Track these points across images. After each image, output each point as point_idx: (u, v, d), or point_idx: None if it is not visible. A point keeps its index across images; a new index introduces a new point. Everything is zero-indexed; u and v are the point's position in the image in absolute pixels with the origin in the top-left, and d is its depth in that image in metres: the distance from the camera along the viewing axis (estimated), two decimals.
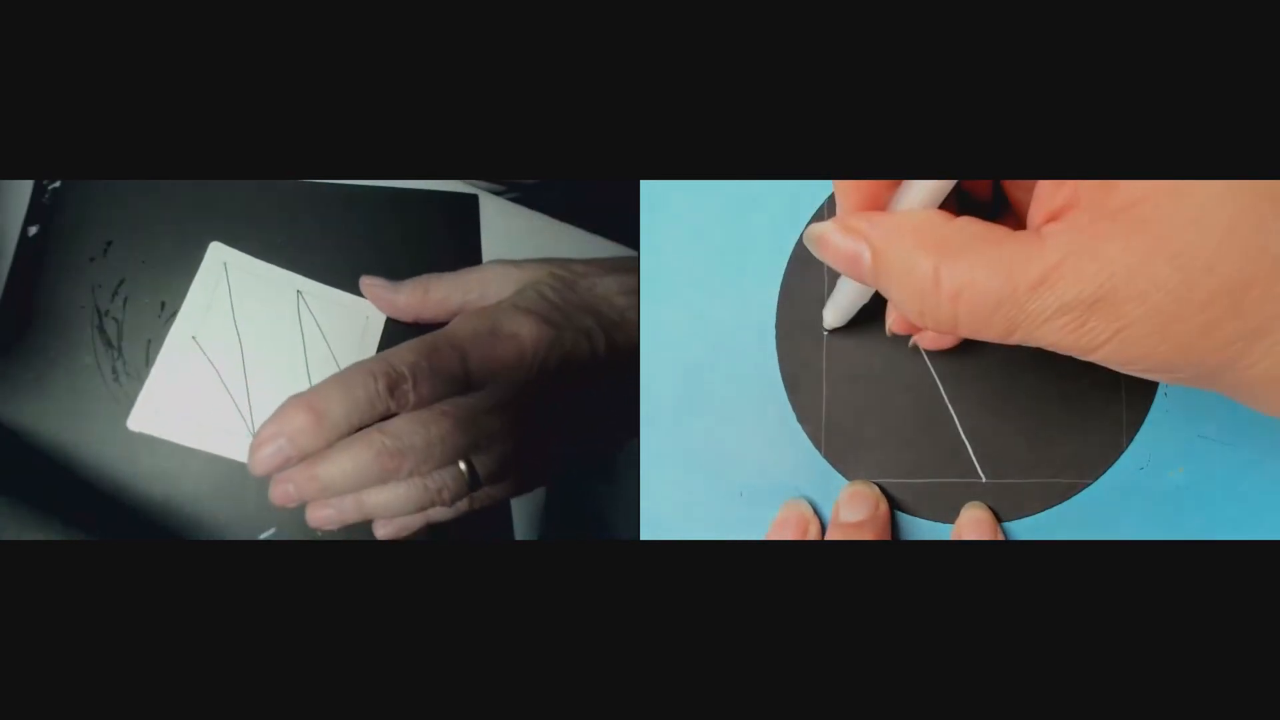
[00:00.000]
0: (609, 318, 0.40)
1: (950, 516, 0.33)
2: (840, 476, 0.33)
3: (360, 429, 0.34)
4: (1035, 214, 0.23)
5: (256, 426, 0.33)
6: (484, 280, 0.41)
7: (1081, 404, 0.32)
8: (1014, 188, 0.27)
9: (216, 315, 0.39)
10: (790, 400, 0.34)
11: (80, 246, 0.38)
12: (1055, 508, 0.32)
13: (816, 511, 0.33)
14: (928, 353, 0.33)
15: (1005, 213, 0.27)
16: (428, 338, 0.36)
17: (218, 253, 0.40)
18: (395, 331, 0.41)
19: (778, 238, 0.34)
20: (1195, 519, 0.32)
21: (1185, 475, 0.32)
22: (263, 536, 0.38)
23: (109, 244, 0.38)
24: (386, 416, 0.34)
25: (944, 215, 0.24)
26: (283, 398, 0.33)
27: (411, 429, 0.34)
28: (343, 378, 0.34)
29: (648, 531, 0.34)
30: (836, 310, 0.32)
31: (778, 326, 0.34)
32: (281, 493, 0.34)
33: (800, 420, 0.34)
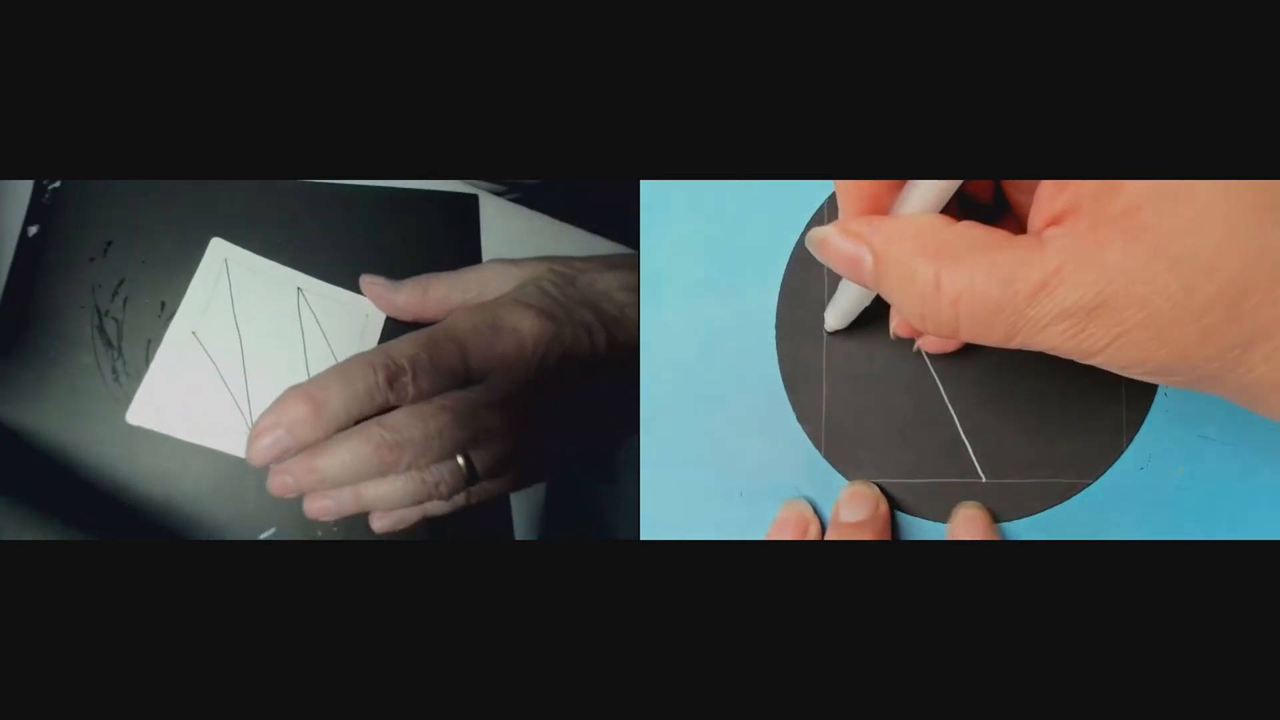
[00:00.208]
0: (609, 313, 0.40)
1: (950, 517, 0.33)
2: (840, 476, 0.33)
3: (359, 421, 0.34)
4: (1035, 218, 0.23)
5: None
6: (483, 279, 0.41)
7: (1081, 404, 0.32)
8: (1014, 190, 0.27)
9: (217, 311, 0.39)
10: (790, 400, 0.34)
11: (80, 246, 0.38)
12: (1055, 508, 0.32)
13: (816, 511, 0.33)
14: (929, 354, 0.33)
15: (1006, 215, 0.27)
16: (427, 331, 0.36)
17: (219, 249, 0.40)
18: (395, 330, 0.41)
19: (778, 238, 0.34)
20: (1195, 519, 0.32)
21: (1185, 475, 0.32)
22: (263, 536, 0.38)
23: (109, 244, 0.38)
24: (385, 409, 0.34)
25: (945, 220, 0.24)
26: None
27: (410, 422, 0.34)
28: (342, 369, 0.34)
29: (648, 531, 0.34)
30: (838, 312, 0.32)
31: (778, 326, 0.34)
32: (280, 484, 0.34)
33: (800, 420, 0.34)
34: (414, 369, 0.34)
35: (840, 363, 0.34)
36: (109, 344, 0.37)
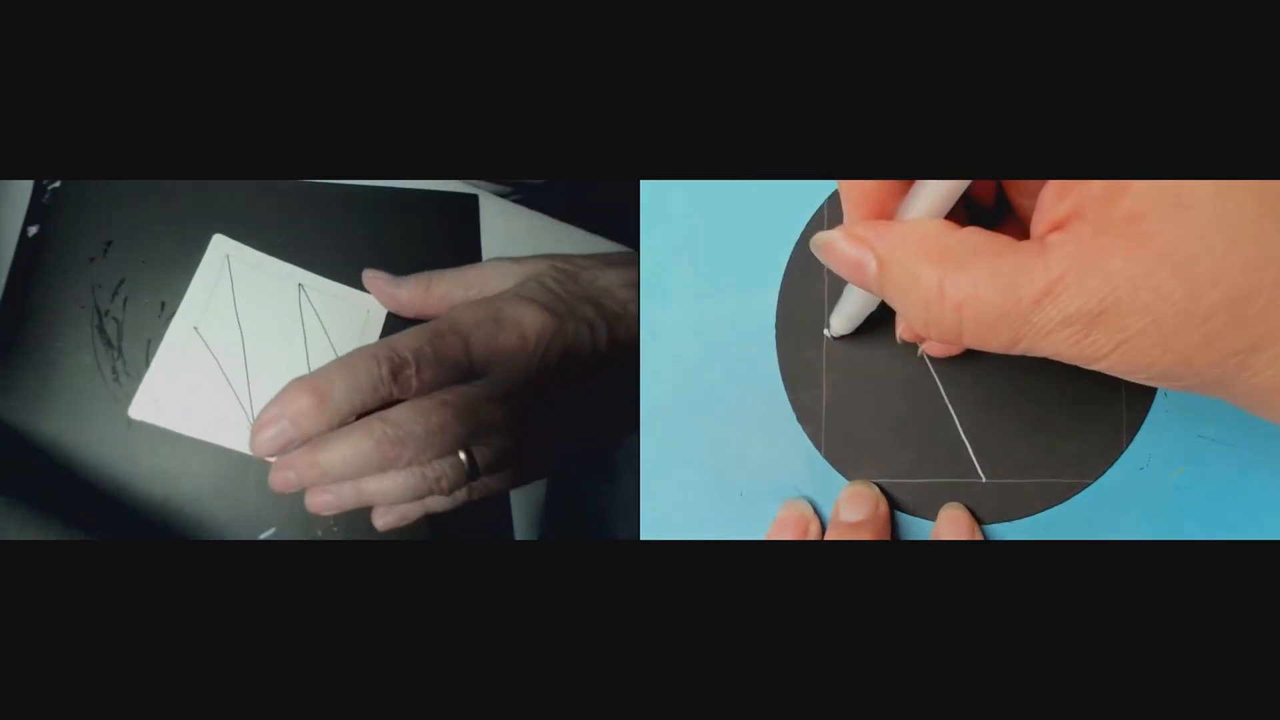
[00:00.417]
0: (611, 310, 0.40)
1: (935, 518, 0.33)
2: (840, 476, 0.33)
3: (362, 413, 0.34)
4: (1038, 223, 0.23)
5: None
6: (485, 276, 0.41)
7: (1081, 404, 0.32)
8: (1017, 194, 0.26)
9: (218, 307, 0.39)
10: (790, 400, 0.34)
11: (80, 246, 0.38)
12: (1055, 508, 0.32)
13: (816, 511, 0.33)
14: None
15: (1008, 218, 0.27)
16: (431, 324, 0.36)
17: (220, 245, 0.40)
18: (396, 326, 0.41)
19: (778, 238, 0.34)
20: (1195, 519, 0.32)
21: (1185, 475, 0.32)
22: (263, 536, 0.38)
23: (109, 244, 0.38)
24: (388, 402, 0.34)
25: (949, 225, 0.24)
26: None
27: (412, 417, 0.34)
28: (346, 361, 0.34)
29: (648, 531, 0.34)
30: (843, 318, 0.32)
31: (778, 326, 0.34)
32: (282, 479, 0.34)
33: (800, 420, 0.34)
34: (418, 362, 0.34)
35: (840, 363, 0.34)
36: (109, 344, 0.37)
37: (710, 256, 0.35)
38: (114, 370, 0.37)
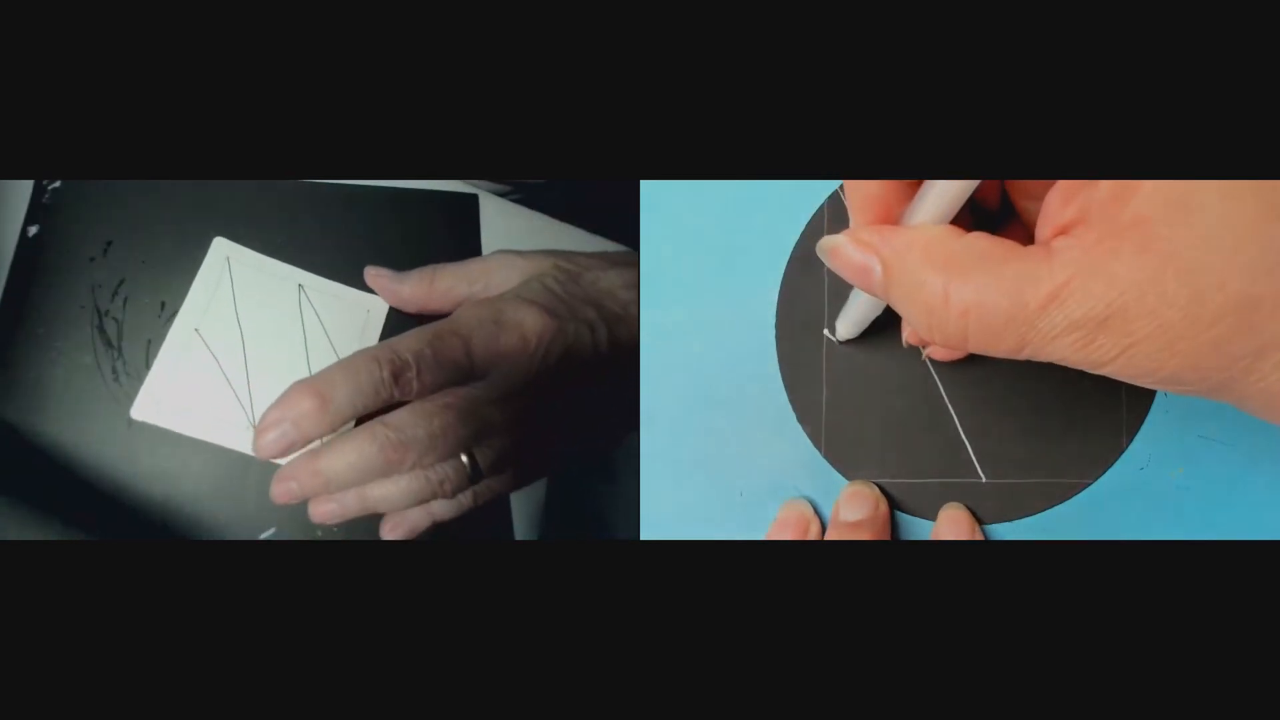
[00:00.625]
0: (612, 311, 0.40)
1: (935, 518, 0.33)
2: (840, 476, 0.33)
3: (364, 415, 0.34)
4: (1043, 227, 0.23)
5: (258, 418, 0.33)
6: (488, 270, 0.41)
7: (1081, 404, 0.32)
8: (1021, 197, 0.26)
9: (219, 308, 0.39)
10: (790, 400, 0.34)
11: (80, 246, 0.38)
12: (1055, 508, 0.32)
13: (816, 511, 0.33)
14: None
15: (1012, 222, 0.27)
16: (431, 326, 0.36)
17: (221, 247, 0.40)
18: (396, 326, 0.41)
19: (778, 238, 0.34)
20: (1195, 519, 0.32)
21: (1185, 475, 0.32)
22: (263, 536, 0.38)
23: (109, 244, 0.38)
24: (390, 405, 0.34)
25: (954, 231, 0.24)
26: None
27: (414, 421, 0.34)
28: (347, 364, 0.34)
29: (648, 531, 0.34)
30: (849, 322, 0.32)
31: (778, 326, 0.34)
32: (284, 490, 0.34)
33: (800, 420, 0.34)
34: (418, 364, 0.34)
35: (840, 363, 0.34)
36: (109, 344, 0.37)
37: (710, 256, 0.35)
38: (114, 370, 0.37)
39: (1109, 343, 0.22)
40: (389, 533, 0.36)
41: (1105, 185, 0.22)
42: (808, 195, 0.34)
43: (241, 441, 0.38)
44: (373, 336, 0.42)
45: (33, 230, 0.38)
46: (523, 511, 0.44)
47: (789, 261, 0.34)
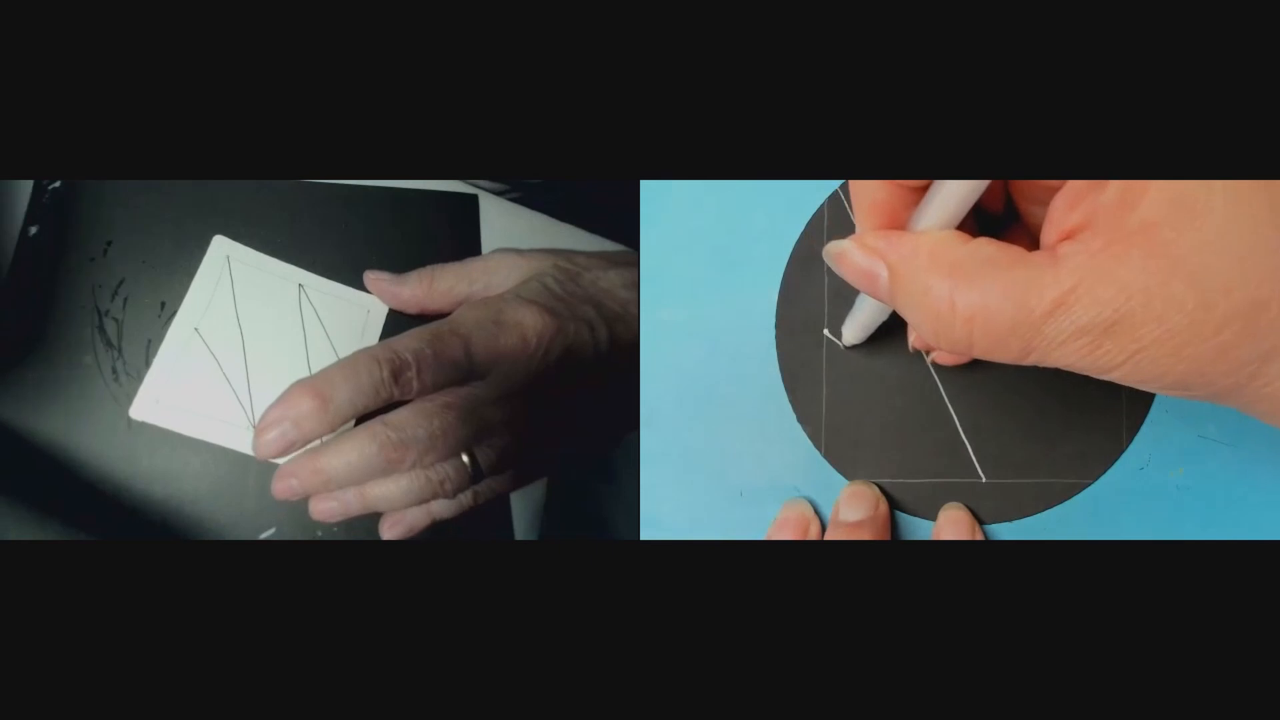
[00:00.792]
0: (612, 310, 0.40)
1: (935, 518, 0.33)
2: (840, 476, 0.33)
3: (364, 415, 0.34)
4: (1049, 232, 0.23)
5: (258, 418, 0.33)
6: (488, 269, 0.41)
7: (1081, 404, 0.32)
8: (1025, 201, 0.26)
9: (219, 308, 0.39)
10: (790, 400, 0.34)
11: (80, 246, 0.38)
12: (1055, 508, 0.32)
13: (816, 511, 0.33)
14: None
15: (1015, 225, 0.27)
16: (431, 326, 0.36)
17: (221, 246, 0.40)
18: (396, 326, 0.41)
19: (778, 238, 0.34)
20: (1195, 519, 0.31)
21: (1185, 475, 0.32)
22: (263, 536, 0.38)
23: (109, 244, 0.38)
24: (390, 404, 0.34)
25: (960, 236, 0.24)
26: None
27: (415, 420, 0.34)
28: (348, 363, 0.34)
29: (648, 531, 0.34)
30: (855, 327, 0.32)
31: (778, 326, 0.34)
32: (285, 487, 0.34)
33: (800, 420, 0.34)
34: (418, 363, 0.34)
35: (840, 363, 0.34)
36: (109, 344, 0.37)
37: (710, 256, 0.35)
38: (114, 370, 0.37)
39: (1115, 348, 0.22)
40: (388, 530, 0.36)
41: (1111, 190, 0.21)
42: (808, 195, 0.34)
43: (241, 441, 0.38)
44: (373, 336, 0.42)
45: (33, 230, 0.38)
46: (523, 512, 0.44)
47: (789, 261, 0.34)
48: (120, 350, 0.37)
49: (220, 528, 0.37)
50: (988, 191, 0.27)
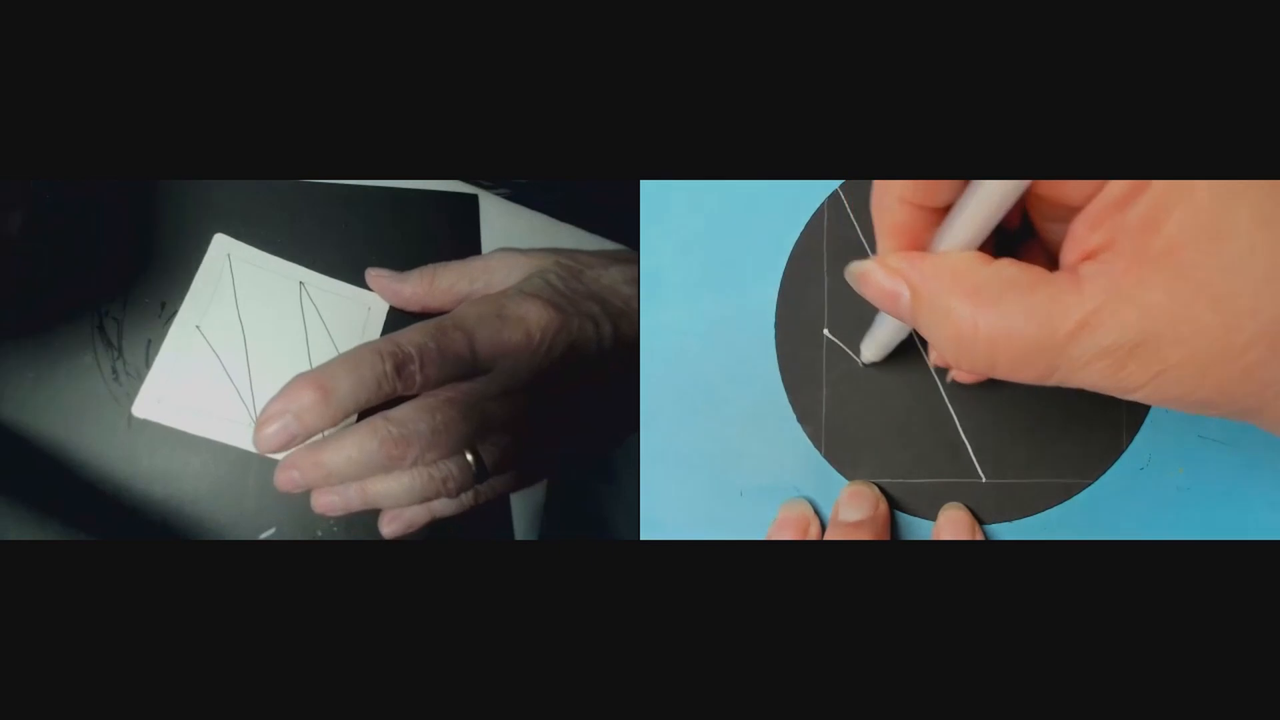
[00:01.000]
0: (615, 306, 0.40)
1: (935, 518, 0.33)
2: (840, 476, 0.33)
3: (366, 409, 0.34)
4: (1070, 252, 0.23)
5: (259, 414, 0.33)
6: (490, 268, 0.41)
7: (1081, 404, 0.32)
8: (1042, 219, 0.26)
9: (220, 305, 0.39)
10: (790, 400, 0.34)
11: (80, 246, 0.38)
12: (1055, 508, 0.32)
13: (816, 511, 0.33)
14: (923, 347, 0.33)
15: (1031, 242, 0.27)
16: (435, 321, 0.36)
17: (221, 244, 0.40)
18: (397, 323, 0.41)
19: (778, 238, 0.34)
20: (1195, 519, 0.32)
21: (1185, 475, 0.32)
22: (263, 536, 0.38)
23: (109, 244, 0.38)
24: (392, 399, 0.34)
25: (982, 258, 0.24)
26: None
27: (417, 416, 0.34)
28: (350, 357, 0.34)
29: (648, 531, 0.34)
30: (876, 345, 0.32)
31: (777, 326, 0.34)
32: (286, 479, 0.34)
33: (800, 420, 0.34)
34: (421, 357, 0.34)
35: (840, 363, 0.34)
36: (109, 344, 0.37)
37: (710, 256, 0.35)
38: (114, 370, 0.37)
39: (1139, 370, 0.22)
40: (387, 525, 0.36)
41: (1134, 212, 0.21)
42: (808, 195, 0.34)
43: (243, 438, 0.38)
44: (374, 333, 0.42)
45: (32, 229, 0.38)
46: (523, 511, 0.44)
47: (789, 261, 0.34)
48: (120, 350, 0.37)
49: (220, 528, 0.37)
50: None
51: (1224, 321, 0.21)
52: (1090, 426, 0.32)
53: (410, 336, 0.35)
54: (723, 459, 0.34)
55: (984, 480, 0.33)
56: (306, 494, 0.35)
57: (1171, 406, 0.23)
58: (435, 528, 0.38)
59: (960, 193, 0.24)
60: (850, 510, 0.32)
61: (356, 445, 0.33)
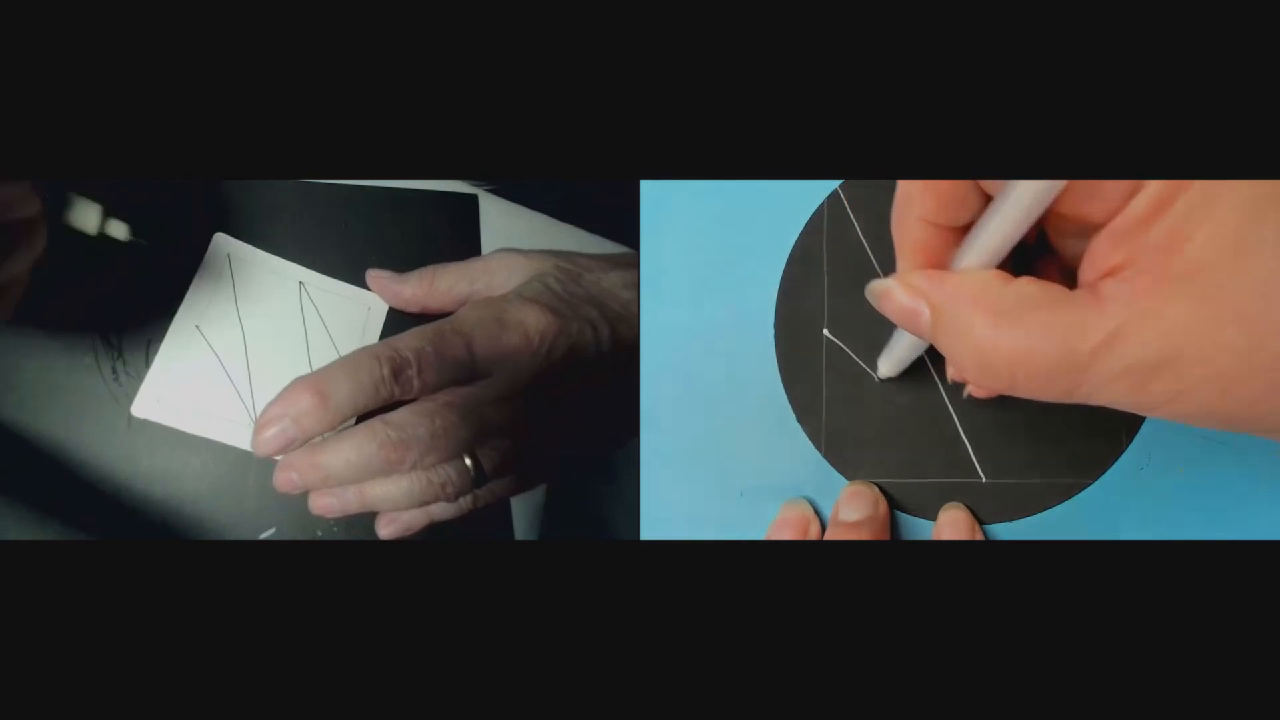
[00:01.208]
0: (613, 310, 0.40)
1: (935, 519, 0.33)
2: (840, 476, 0.33)
3: (364, 413, 0.34)
4: (1089, 269, 0.23)
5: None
6: (490, 269, 0.41)
7: (1082, 405, 0.32)
8: (1059, 235, 0.26)
9: (220, 305, 0.39)
10: (790, 400, 0.34)
11: (79, 246, 0.38)
12: (1055, 508, 0.32)
13: (816, 511, 0.33)
14: (927, 352, 0.33)
15: (1046, 257, 0.27)
16: (433, 325, 0.36)
17: (221, 244, 0.40)
18: (397, 323, 0.42)
19: (778, 238, 0.34)
20: (1195, 519, 0.32)
21: (1186, 475, 0.32)
22: (263, 536, 0.38)
23: (108, 243, 0.38)
24: (391, 404, 0.34)
25: (1003, 276, 0.24)
26: None
27: (416, 420, 0.34)
28: (348, 361, 0.34)
29: (648, 531, 0.34)
30: (893, 360, 0.32)
31: (777, 326, 0.34)
32: (285, 479, 0.34)
33: (800, 420, 0.34)
34: (419, 362, 0.34)
35: (840, 362, 0.34)
36: (109, 344, 0.37)
37: (710, 256, 0.35)
38: (114, 370, 0.37)
39: (1162, 388, 0.22)
40: (384, 527, 0.36)
41: (1157, 230, 0.21)
42: (807, 195, 0.34)
43: (243, 439, 0.38)
44: (374, 333, 0.42)
45: None
46: (523, 512, 0.44)
47: (789, 261, 0.34)
48: (120, 350, 0.37)
49: (220, 528, 0.37)
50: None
51: (1249, 340, 0.21)
52: (1090, 426, 0.32)
53: (408, 341, 0.35)
54: (723, 459, 0.34)
55: (984, 480, 0.33)
56: (306, 495, 0.35)
57: (1193, 424, 0.23)
58: (434, 529, 0.38)
59: (981, 212, 0.24)
60: (850, 510, 0.32)
61: (355, 448, 0.33)
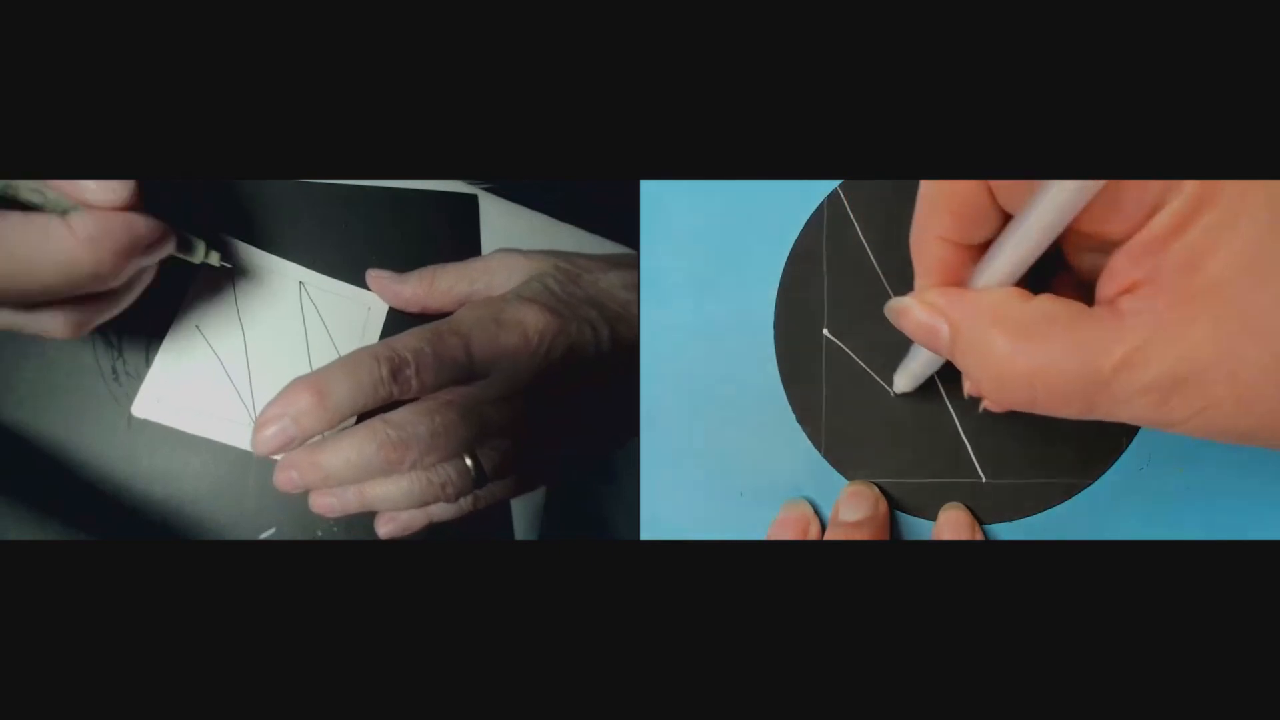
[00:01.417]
0: (612, 310, 0.40)
1: (935, 518, 0.33)
2: (840, 476, 0.33)
3: (363, 413, 0.34)
4: (1107, 285, 0.23)
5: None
6: (489, 269, 0.41)
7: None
8: (1074, 251, 0.26)
9: (220, 306, 0.39)
10: (790, 400, 0.34)
11: None
12: (1055, 508, 0.32)
13: (816, 511, 0.33)
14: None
15: (1061, 272, 0.27)
16: (431, 325, 0.36)
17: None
18: (397, 323, 0.41)
19: (778, 238, 0.34)
20: (1195, 519, 0.32)
21: (1186, 475, 0.32)
22: (263, 536, 0.38)
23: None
24: (390, 404, 0.34)
25: (1021, 294, 0.24)
26: None
27: (415, 419, 0.34)
28: (347, 361, 0.34)
29: (648, 531, 0.34)
30: (909, 375, 0.32)
31: (777, 326, 0.34)
32: (285, 479, 0.34)
33: (800, 420, 0.34)
34: (418, 362, 0.34)
35: (840, 363, 0.34)
36: (109, 344, 0.37)
37: (710, 256, 0.35)
38: (114, 370, 0.37)
39: (1183, 405, 0.22)
40: (383, 526, 0.36)
41: (1178, 247, 0.21)
42: (807, 195, 0.34)
43: (243, 438, 0.38)
44: (374, 333, 0.42)
45: None
46: (523, 512, 0.44)
47: (788, 261, 0.34)
48: (120, 350, 0.37)
49: (220, 528, 0.37)
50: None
51: (1271, 357, 0.21)
52: (1090, 426, 0.32)
53: (407, 341, 0.35)
54: (723, 459, 0.34)
55: (984, 480, 0.33)
56: (306, 494, 0.35)
57: (1214, 439, 0.23)
58: (434, 529, 0.38)
59: (999, 230, 0.24)
60: (850, 510, 0.32)
61: (355, 448, 0.33)
